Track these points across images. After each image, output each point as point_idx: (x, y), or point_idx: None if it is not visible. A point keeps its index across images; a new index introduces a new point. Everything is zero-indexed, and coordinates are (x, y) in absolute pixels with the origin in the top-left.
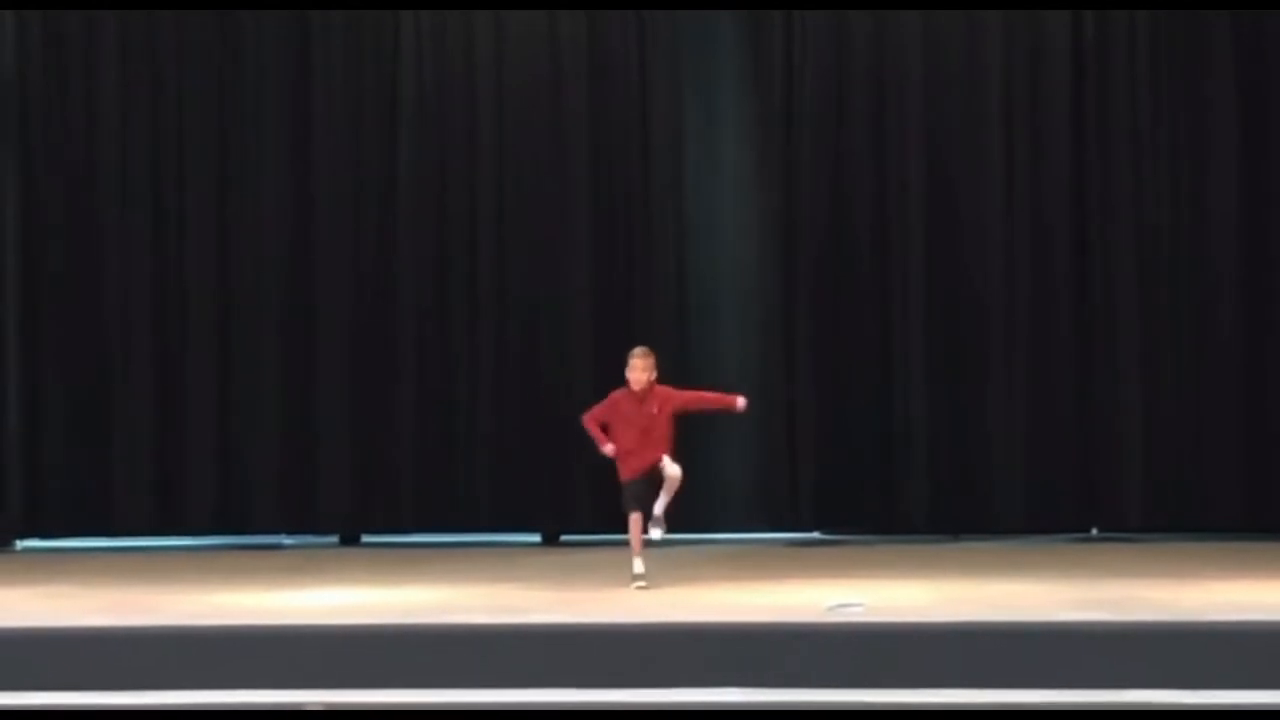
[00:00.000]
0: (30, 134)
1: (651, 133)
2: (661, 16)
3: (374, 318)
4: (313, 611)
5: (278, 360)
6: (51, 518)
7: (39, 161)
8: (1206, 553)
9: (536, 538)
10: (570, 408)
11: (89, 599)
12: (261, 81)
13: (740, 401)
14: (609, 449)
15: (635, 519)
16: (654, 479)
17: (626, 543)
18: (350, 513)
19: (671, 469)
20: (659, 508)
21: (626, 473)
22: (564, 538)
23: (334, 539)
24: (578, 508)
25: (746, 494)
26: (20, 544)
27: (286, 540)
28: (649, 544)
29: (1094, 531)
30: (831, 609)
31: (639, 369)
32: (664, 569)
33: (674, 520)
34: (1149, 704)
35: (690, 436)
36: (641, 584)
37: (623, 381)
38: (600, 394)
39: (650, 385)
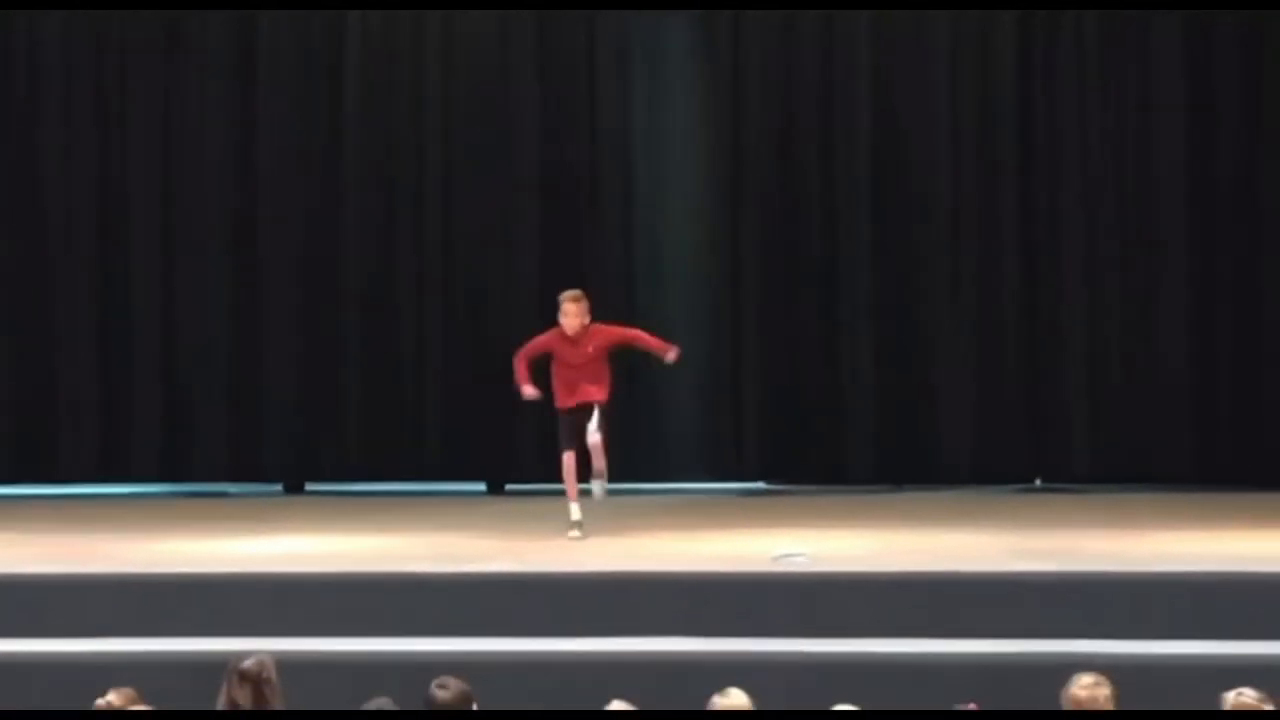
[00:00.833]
0: None
1: (597, 90)
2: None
3: (320, 267)
4: (257, 560)
5: (223, 308)
6: None
7: None
8: (1152, 503)
9: (481, 486)
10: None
11: (30, 546)
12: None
13: (672, 353)
14: (528, 390)
15: (568, 459)
16: (584, 414)
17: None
18: (295, 461)
19: (593, 437)
20: (596, 472)
21: (560, 401)
22: (509, 487)
23: (278, 487)
24: (522, 456)
25: (692, 444)
26: None
27: (231, 488)
28: (585, 493)
29: (1038, 482)
30: (776, 559)
31: (571, 314)
32: (609, 519)
33: (620, 470)
34: (1092, 654)
35: (637, 386)
36: (576, 534)
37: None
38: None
39: (584, 328)
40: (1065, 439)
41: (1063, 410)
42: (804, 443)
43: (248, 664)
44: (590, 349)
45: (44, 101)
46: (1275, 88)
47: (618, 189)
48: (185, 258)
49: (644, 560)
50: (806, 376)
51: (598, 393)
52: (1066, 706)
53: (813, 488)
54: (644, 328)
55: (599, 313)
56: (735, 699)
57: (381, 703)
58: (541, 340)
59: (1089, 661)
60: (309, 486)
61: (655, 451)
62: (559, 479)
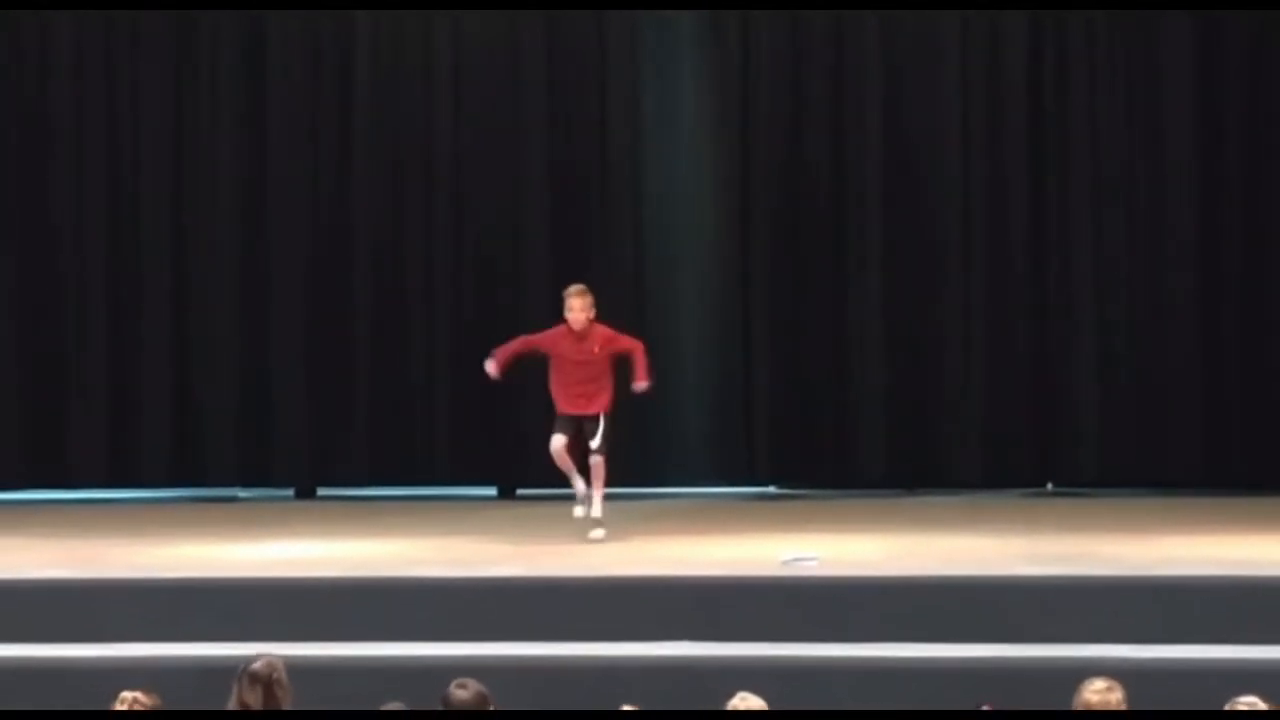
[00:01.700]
0: None
1: (608, 92)
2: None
3: (331, 272)
4: (268, 565)
5: (233, 313)
6: (6, 470)
7: None
8: (1163, 508)
9: (493, 491)
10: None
11: (42, 551)
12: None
13: (643, 385)
14: (492, 368)
15: (558, 441)
16: (585, 423)
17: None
18: (306, 466)
19: (593, 459)
20: (596, 507)
21: (561, 406)
22: (520, 491)
23: (289, 492)
24: (533, 461)
25: (702, 448)
26: None
27: (242, 493)
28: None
29: (1049, 486)
30: (786, 563)
31: (577, 309)
32: (620, 522)
33: (630, 474)
34: (1103, 659)
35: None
36: (580, 511)
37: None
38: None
39: (589, 324)
40: (1076, 443)
41: (1073, 415)
42: (814, 446)
43: (258, 665)
44: (595, 349)
45: (53, 105)
46: None
47: (627, 190)
48: (196, 263)
49: (654, 564)
50: (817, 380)
51: (597, 402)
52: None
53: (823, 491)
54: (645, 343)
55: (609, 312)
56: (752, 704)
57: (394, 708)
58: (545, 336)
59: (1100, 666)
60: (320, 491)
61: (665, 455)
62: (566, 483)
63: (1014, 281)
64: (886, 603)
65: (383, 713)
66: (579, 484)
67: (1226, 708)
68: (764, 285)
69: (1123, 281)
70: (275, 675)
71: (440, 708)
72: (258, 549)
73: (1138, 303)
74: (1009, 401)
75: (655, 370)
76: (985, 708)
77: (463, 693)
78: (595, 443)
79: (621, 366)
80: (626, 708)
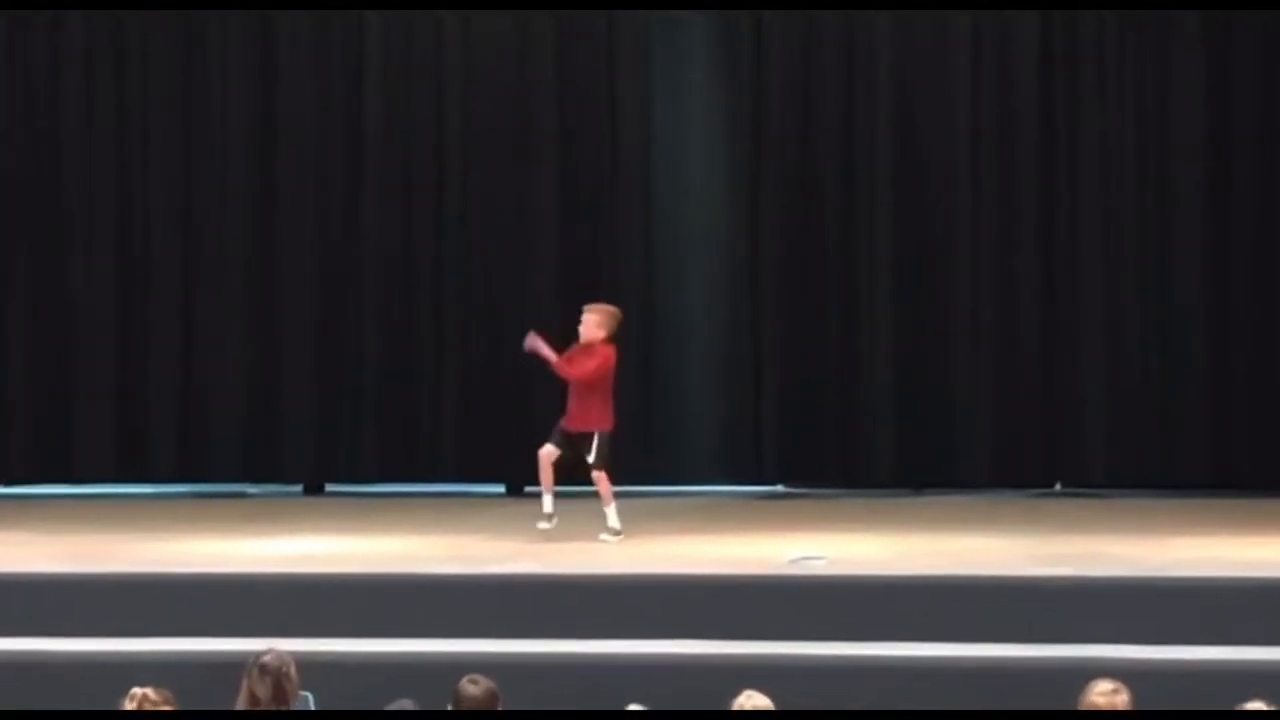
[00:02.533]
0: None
1: (618, 88)
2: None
3: (339, 269)
4: (276, 560)
5: (242, 308)
6: (13, 465)
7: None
8: (1171, 509)
9: (501, 488)
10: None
11: (51, 546)
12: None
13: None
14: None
15: (546, 452)
16: (577, 446)
17: (589, 495)
18: (314, 462)
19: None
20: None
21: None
22: (528, 489)
23: (298, 488)
24: None
25: (710, 446)
26: None
27: (250, 489)
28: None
29: (1058, 486)
30: (793, 562)
31: (587, 323)
32: (626, 521)
33: (637, 472)
34: (1110, 659)
35: (655, 387)
36: (544, 525)
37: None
38: (566, 341)
39: (591, 341)
40: (1084, 444)
41: (1082, 415)
42: (823, 446)
43: (268, 658)
44: (591, 365)
45: (63, 103)
46: None
47: (637, 190)
48: (204, 259)
49: (662, 563)
50: (826, 379)
51: (592, 421)
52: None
53: (831, 490)
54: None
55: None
56: (757, 702)
57: (403, 704)
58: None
59: (1107, 667)
60: (328, 487)
61: (673, 453)
62: (578, 481)
63: (1023, 282)
64: (894, 602)
65: (388, 713)
66: (547, 501)
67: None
68: (773, 285)
69: (1131, 283)
70: (285, 669)
71: (450, 704)
72: (266, 545)
73: (1146, 304)
74: (1017, 402)
75: (661, 367)
76: None
77: (474, 688)
78: (591, 457)
79: (645, 360)
80: (633, 706)
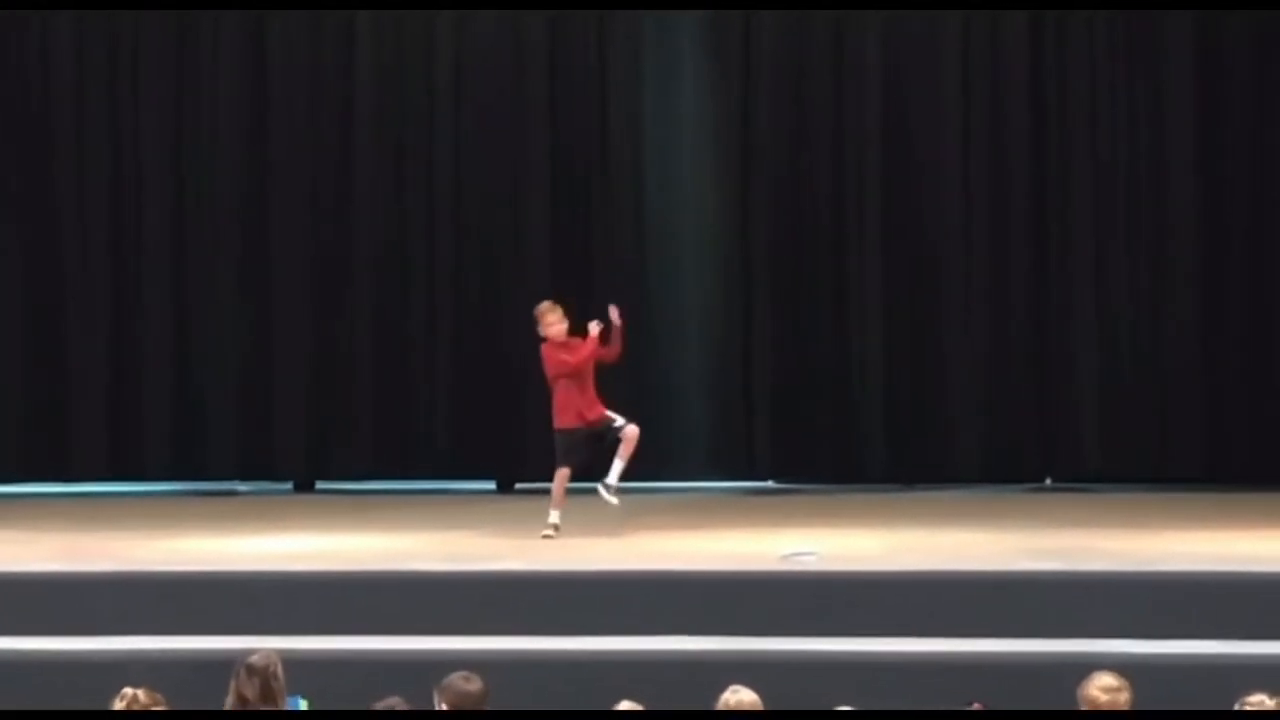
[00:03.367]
0: None
1: (609, 88)
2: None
3: (331, 266)
4: (267, 558)
5: (234, 306)
6: (6, 463)
7: None
8: (1163, 503)
9: (492, 485)
10: (527, 356)
11: (43, 544)
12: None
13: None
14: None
15: (564, 473)
16: (594, 432)
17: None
18: (305, 459)
19: (629, 428)
20: (615, 475)
21: (566, 420)
22: (519, 485)
23: (289, 485)
24: (532, 455)
25: (701, 443)
26: None
27: (241, 486)
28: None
29: (1049, 481)
30: (785, 558)
31: (554, 322)
32: (618, 517)
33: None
34: (1102, 654)
35: (646, 384)
36: (549, 534)
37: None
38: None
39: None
40: (1076, 438)
41: (1074, 410)
42: (814, 441)
43: (255, 658)
44: (585, 350)
45: (56, 101)
46: None
47: (628, 189)
48: (197, 257)
49: (653, 559)
50: (817, 375)
51: (599, 406)
52: (1083, 705)
53: (823, 486)
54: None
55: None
56: (743, 697)
57: (392, 702)
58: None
59: (1100, 661)
60: (319, 485)
61: (664, 450)
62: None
63: (1015, 278)
64: (885, 598)
65: (382, 713)
66: (555, 515)
67: (1236, 707)
68: (764, 282)
69: (1124, 278)
70: (272, 669)
71: (438, 700)
72: (257, 542)
73: (1139, 299)
74: (1009, 397)
75: (653, 364)
76: (975, 706)
77: (470, 685)
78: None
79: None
80: (625, 703)
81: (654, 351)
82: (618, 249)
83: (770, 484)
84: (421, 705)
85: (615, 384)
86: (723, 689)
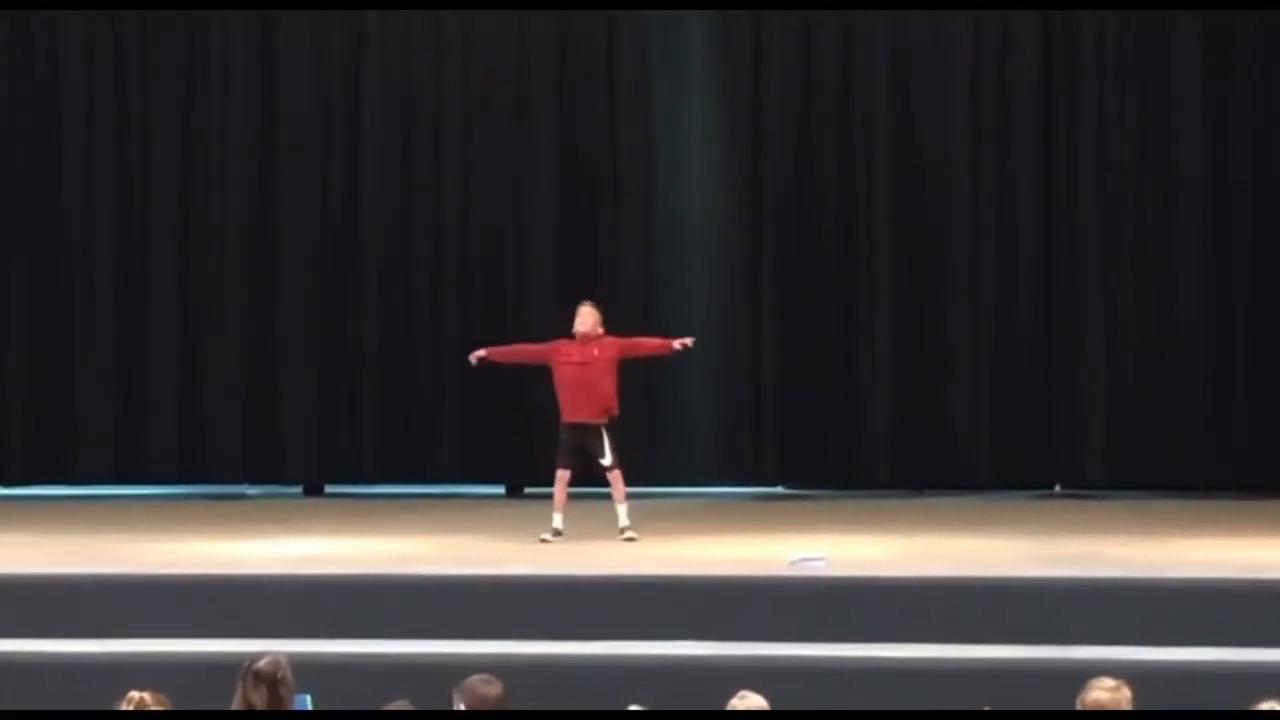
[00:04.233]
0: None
1: (618, 89)
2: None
3: (338, 271)
4: (275, 561)
5: (242, 311)
6: (13, 466)
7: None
8: (1170, 510)
9: (501, 489)
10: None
11: (50, 547)
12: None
13: (676, 343)
14: (475, 356)
15: (562, 476)
16: (588, 436)
17: (592, 496)
18: (314, 463)
19: (613, 473)
20: (623, 518)
21: (563, 415)
22: (528, 490)
23: (297, 489)
24: (541, 459)
25: (710, 448)
26: None
27: (250, 490)
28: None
29: (1057, 488)
30: (794, 563)
31: (584, 319)
32: (630, 525)
33: (638, 473)
34: (1109, 660)
35: (655, 390)
36: (547, 537)
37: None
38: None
39: (593, 332)
40: (1083, 445)
41: (1081, 416)
42: (822, 447)
43: (262, 664)
44: (596, 350)
45: (64, 104)
46: None
47: (636, 190)
48: (204, 261)
49: (661, 564)
50: (825, 381)
51: (601, 409)
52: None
53: (831, 492)
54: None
55: (618, 312)
56: (752, 703)
57: (400, 705)
58: (549, 345)
59: (1107, 667)
60: (328, 489)
61: (673, 455)
62: (577, 483)
63: (1022, 284)
64: (894, 603)
65: (388, 713)
66: (558, 519)
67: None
68: (772, 286)
69: (1131, 286)
70: (280, 674)
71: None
72: (265, 546)
73: (1145, 306)
74: (1017, 404)
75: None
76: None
77: (489, 689)
78: (605, 455)
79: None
80: (633, 708)
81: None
82: (626, 253)
83: (779, 489)
84: (429, 709)
85: (624, 388)
86: (731, 694)
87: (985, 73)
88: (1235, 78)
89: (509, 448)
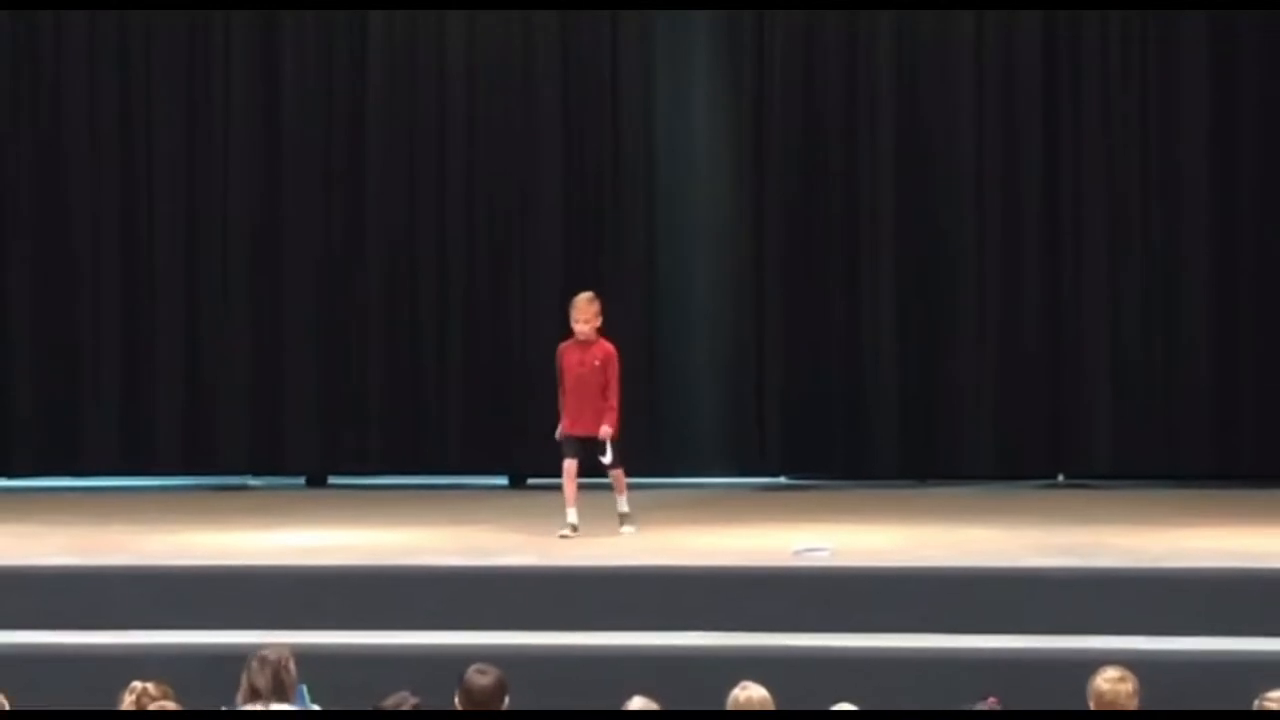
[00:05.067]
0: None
1: (621, 85)
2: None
3: (342, 260)
4: (279, 553)
5: (245, 301)
6: (18, 457)
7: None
8: (1175, 500)
9: (504, 480)
10: (539, 351)
11: (56, 538)
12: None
13: (603, 430)
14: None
15: (569, 466)
16: (587, 444)
17: (596, 488)
18: (317, 454)
19: (615, 472)
20: (624, 506)
21: (563, 427)
22: (531, 480)
23: (301, 480)
24: (545, 450)
25: (714, 438)
26: None
27: (253, 481)
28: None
29: (1061, 478)
30: (797, 553)
31: (582, 319)
32: (633, 512)
33: (641, 464)
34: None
35: (658, 380)
36: (566, 533)
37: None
38: (570, 333)
39: (595, 335)
40: (1088, 435)
41: (1085, 406)
42: (826, 437)
43: (268, 650)
44: (596, 361)
45: (68, 101)
46: None
47: (640, 185)
48: (207, 251)
49: (665, 554)
50: (829, 371)
51: (600, 422)
52: (1090, 699)
53: (835, 482)
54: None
55: (621, 306)
56: (754, 693)
57: (403, 697)
58: (558, 367)
59: (1112, 657)
60: (331, 480)
61: (677, 445)
62: (582, 473)
63: (1027, 274)
64: (898, 594)
65: (384, 713)
66: (572, 514)
67: (1256, 704)
68: (777, 276)
69: (1135, 274)
70: (284, 662)
71: (455, 695)
72: (269, 537)
73: (1150, 295)
74: (1021, 393)
75: (666, 359)
76: (990, 700)
77: (483, 678)
78: (607, 460)
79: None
80: (637, 699)
81: (665, 346)
82: (630, 244)
83: (783, 479)
84: (433, 700)
85: (627, 379)
86: (734, 685)
87: (989, 69)
88: (1241, 73)
89: (512, 438)
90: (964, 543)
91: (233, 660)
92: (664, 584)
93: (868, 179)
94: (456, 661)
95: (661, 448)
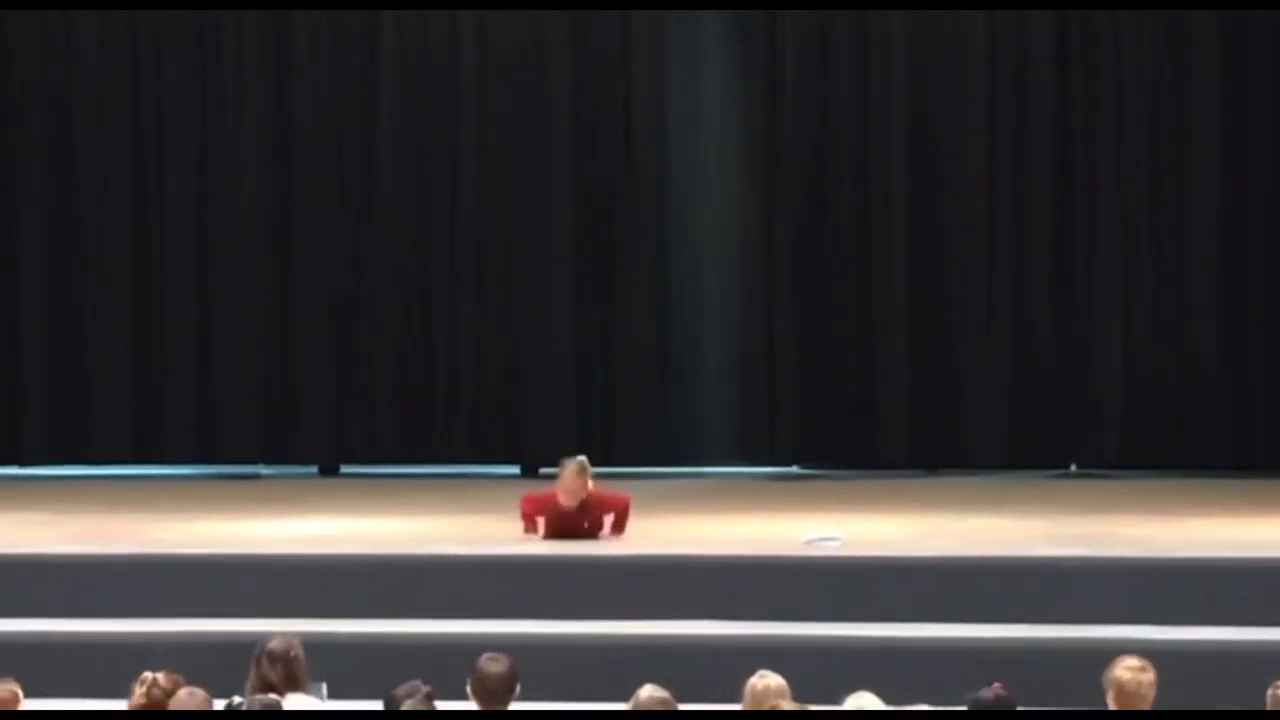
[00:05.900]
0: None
1: (633, 86)
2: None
3: (354, 249)
4: (290, 541)
5: (257, 290)
6: (30, 446)
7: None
8: (1185, 489)
9: (516, 469)
10: (551, 340)
11: (65, 526)
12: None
13: (605, 531)
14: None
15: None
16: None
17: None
18: (329, 443)
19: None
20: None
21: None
22: (543, 470)
23: (312, 469)
24: (558, 439)
25: (725, 427)
26: None
27: (264, 470)
28: None
29: (1073, 467)
30: (809, 543)
31: (568, 491)
32: (641, 502)
33: (652, 453)
34: (1125, 639)
35: (669, 369)
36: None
37: (599, 330)
38: (581, 322)
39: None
40: (1099, 424)
41: (1097, 396)
42: (837, 426)
43: (274, 644)
44: (586, 524)
45: (80, 99)
46: None
47: (652, 182)
48: (219, 241)
49: (676, 544)
50: (840, 360)
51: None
52: (1109, 688)
53: (846, 472)
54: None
55: (633, 297)
56: (772, 681)
57: (414, 686)
58: (543, 499)
59: (1122, 647)
60: (343, 469)
61: (687, 434)
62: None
63: (1038, 264)
64: (909, 583)
65: (386, 713)
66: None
67: (1269, 693)
68: (787, 268)
69: (1147, 264)
70: (293, 652)
71: (467, 683)
72: (280, 526)
73: (1162, 285)
74: (1032, 383)
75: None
76: (994, 686)
77: (495, 666)
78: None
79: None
80: (648, 688)
81: (676, 337)
82: (641, 236)
83: (794, 469)
84: (444, 689)
85: (638, 370)
86: (746, 674)
87: (1001, 69)
88: (1252, 74)
89: (524, 427)
90: (975, 532)
91: (243, 649)
92: (675, 574)
93: (879, 176)
94: (468, 650)
95: (672, 437)
